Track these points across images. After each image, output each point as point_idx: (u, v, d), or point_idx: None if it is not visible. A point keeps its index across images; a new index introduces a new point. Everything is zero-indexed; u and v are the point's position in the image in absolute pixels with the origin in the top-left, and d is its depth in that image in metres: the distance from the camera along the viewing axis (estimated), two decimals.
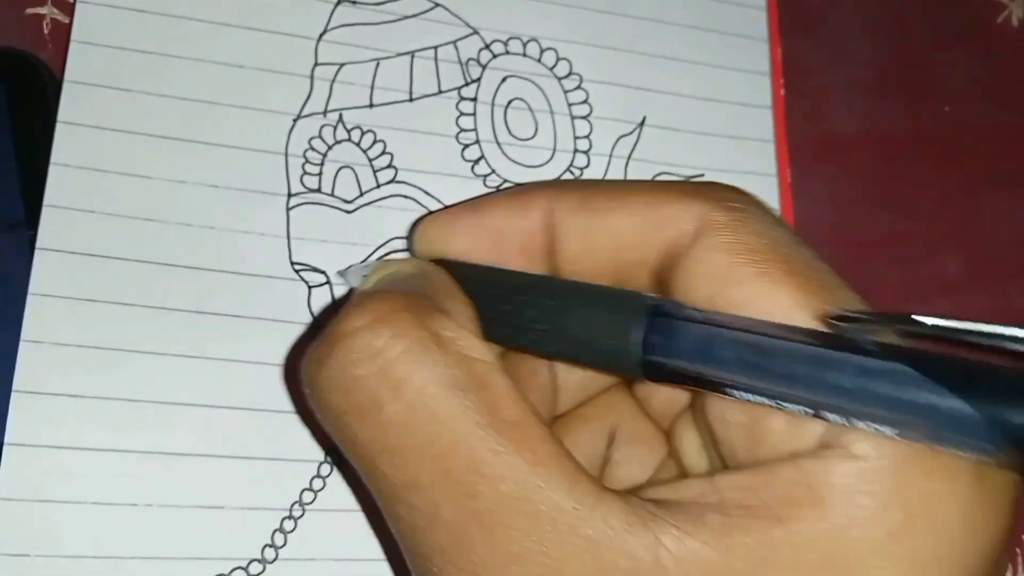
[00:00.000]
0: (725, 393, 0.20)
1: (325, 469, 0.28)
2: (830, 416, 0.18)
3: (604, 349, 0.21)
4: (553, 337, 0.22)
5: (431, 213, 0.26)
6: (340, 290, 0.30)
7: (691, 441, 0.24)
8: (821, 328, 0.19)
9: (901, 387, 0.17)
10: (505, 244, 0.24)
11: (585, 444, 0.26)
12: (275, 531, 0.28)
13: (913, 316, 0.18)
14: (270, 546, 0.28)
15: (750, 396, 0.19)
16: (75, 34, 0.29)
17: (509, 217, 0.24)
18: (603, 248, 0.23)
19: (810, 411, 0.18)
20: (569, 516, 0.18)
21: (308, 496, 0.28)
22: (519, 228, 0.24)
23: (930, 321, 0.18)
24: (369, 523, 0.28)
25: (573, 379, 0.26)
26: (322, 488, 0.28)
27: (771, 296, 0.20)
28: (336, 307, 0.29)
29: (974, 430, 0.16)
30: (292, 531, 0.28)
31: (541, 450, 0.19)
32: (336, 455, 0.28)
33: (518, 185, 0.25)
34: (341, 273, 0.29)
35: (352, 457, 0.21)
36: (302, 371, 0.22)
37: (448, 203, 0.31)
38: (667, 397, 0.26)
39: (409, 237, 0.29)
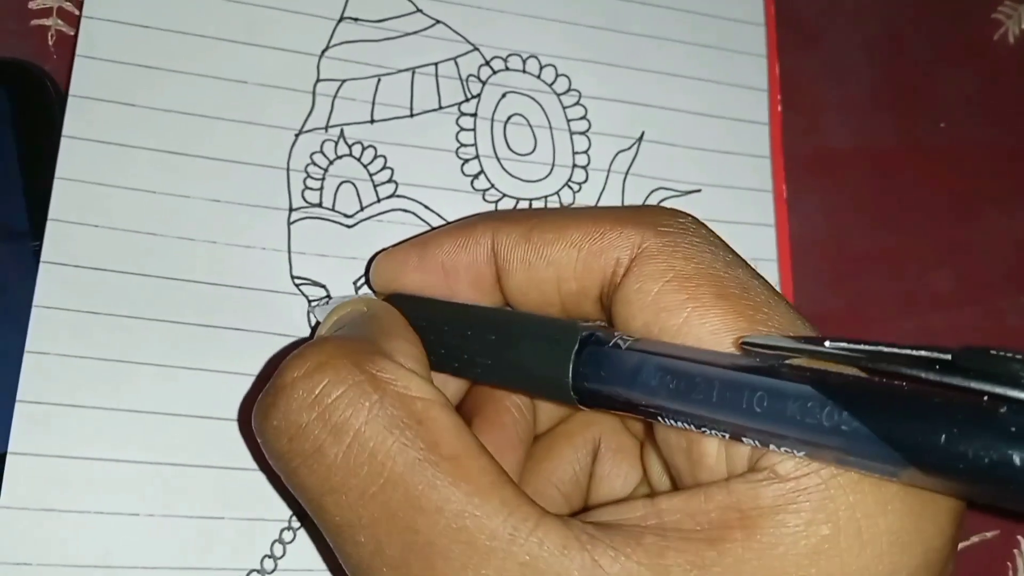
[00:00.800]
0: (654, 419, 0.20)
1: None
2: (748, 440, 0.19)
3: (540, 378, 0.22)
4: (495, 368, 0.23)
5: (384, 250, 0.27)
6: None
7: (654, 461, 0.25)
8: (738, 353, 0.20)
9: (807, 410, 0.18)
10: (453, 278, 0.25)
11: (570, 460, 0.27)
12: (274, 542, 0.28)
13: (826, 340, 0.18)
14: (269, 557, 0.28)
15: (676, 422, 0.20)
16: (80, 48, 0.29)
17: (455, 252, 0.25)
18: (547, 280, 0.24)
19: (728, 435, 0.19)
20: (505, 542, 0.19)
21: (300, 512, 0.28)
22: (465, 262, 0.25)
23: (839, 344, 0.18)
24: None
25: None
26: None
27: (700, 321, 0.20)
28: (277, 358, 0.30)
29: (876, 450, 0.17)
30: (291, 542, 0.28)
31: (479, 480, 0.20)
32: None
33: (463, 218, 0.26)
34: (311, 309, 0.30)
35: (301, 500, 0.22)
36: (253, 419, 0.23)
37: (448, 217, 0.31)
38: None
39: (366, 272, 0.30)
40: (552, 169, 0.33)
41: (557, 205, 0.33)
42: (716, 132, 0.35)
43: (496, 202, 0.32)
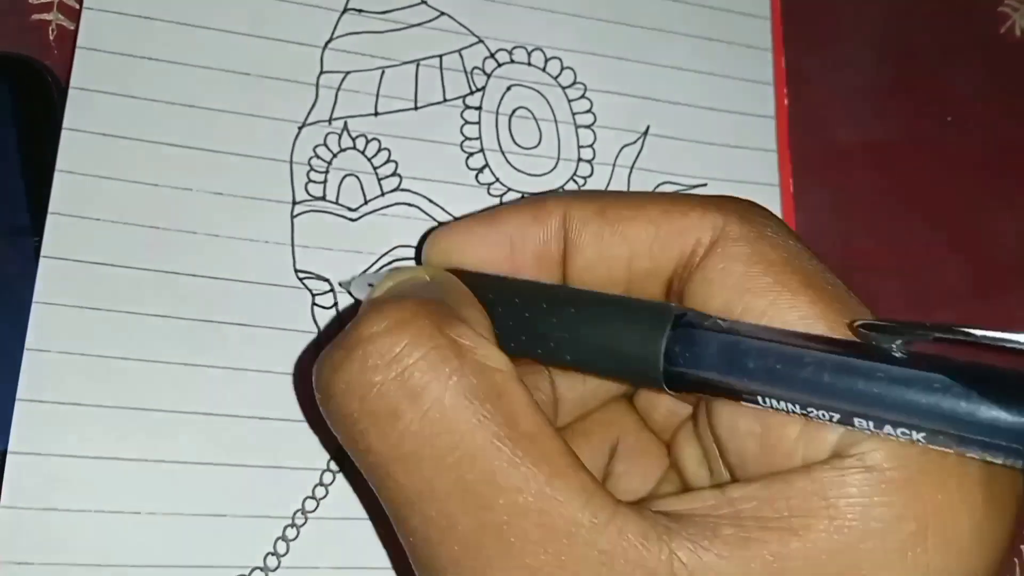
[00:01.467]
0: (752, 402, 0.20)
1: (328, 477, 0.28)
2: (860, 422, 0.18)
3: (627, 358, 0.21)
4: (573, 346, 0.22)
5: (442, 224, 0.26)
6: (343, 298, 0.30)
7: (692, 453, 0.24)
8: (845, 338, 0.19)
9: (935, 395, 0.17)
10: (519, 254, 0.24)
11: (587, 458, 0.26)
12: (278, 539, 0.28)
13: (953, 326, 0.18)
14: (272, 554, 0.28)
15: (778, 404, 0.19)
16: (81, 40, 0.29)
17: (524, 227, 0.24)
18: (618, 257, 0.23)
19: (836, 418, 0.18)
20: (585, 529, 0.18)
21: (311, 504, 0.28)
22: (534, 237, 0.24)
23: (970, 330, 0.18)
24: (376, 533, 0.28)
25: (573, 393, 0.26)
26: (324, 496, 0.28)
27: (788, 306, 0.20)
28: (342, 317, 0.29)
29: (1007, 436, 0.17)
30: (295, 539, 0.28)
31: (558, 462, 0.19)
32: (341, 461, 0.28)
33: (532, 195, 0.26)
34: (344, 284, 0.29)
35: (364, 465, 0.21)
36: (315, 376, 0.21)
37: (452, 211, 0.31)
38: (668, 410, 0.26)
39: (419, 248, 0.29)
40: (557, 163, 0.33)
41: None
42: (722, 126, 0.35)
43: (501, 196, 0.32)
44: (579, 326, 0.22)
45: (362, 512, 0.28)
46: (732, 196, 0.23)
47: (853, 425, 0.18)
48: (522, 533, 0.19)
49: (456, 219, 0.26)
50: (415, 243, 0.31)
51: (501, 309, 0.23)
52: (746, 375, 0.20)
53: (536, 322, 0.22)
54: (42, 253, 0.27)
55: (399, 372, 0.20)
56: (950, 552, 0.18)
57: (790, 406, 0.19)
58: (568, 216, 0.23)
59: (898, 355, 0.18)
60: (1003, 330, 0.17)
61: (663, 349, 0.20)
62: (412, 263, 0.30)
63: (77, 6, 0.30)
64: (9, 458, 0.26)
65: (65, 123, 0.28)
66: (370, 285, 0.25)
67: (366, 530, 0.28)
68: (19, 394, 0.27)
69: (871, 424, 0.18)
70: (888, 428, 0.18)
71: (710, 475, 0.24)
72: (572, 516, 0.19)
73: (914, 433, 0.18)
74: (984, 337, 0.18)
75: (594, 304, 0.22)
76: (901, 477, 0.18)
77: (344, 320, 0.29)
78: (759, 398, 0.20)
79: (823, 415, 0.19)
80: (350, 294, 0.29)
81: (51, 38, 0.31)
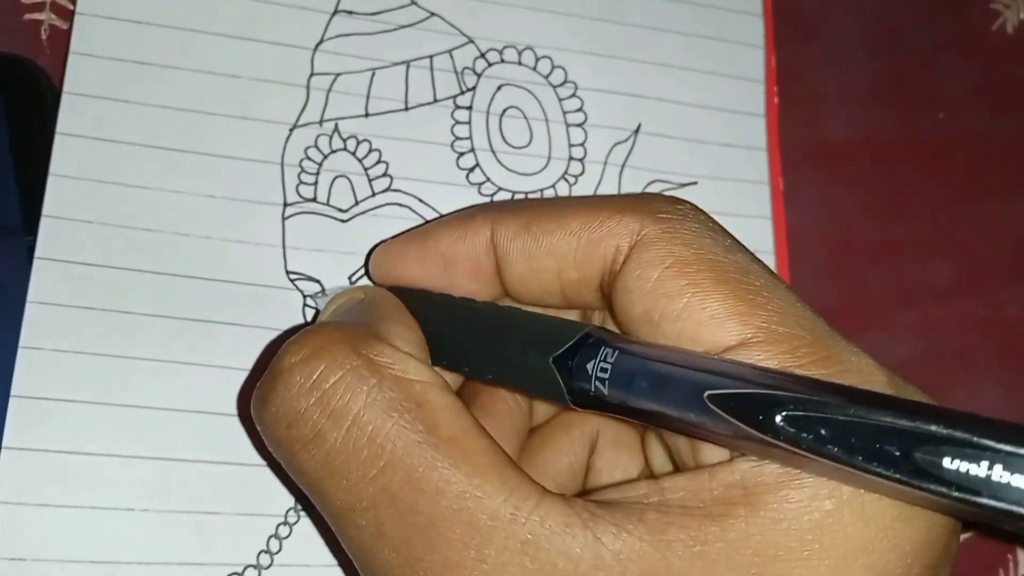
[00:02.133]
0: (649, 423, 0.21)
1: None
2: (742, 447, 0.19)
3: (535, 379, 0.22)
4: (490, 365, 0.23)
5: (383, 242, 0.27)
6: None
7: (657, 449, 0.25)
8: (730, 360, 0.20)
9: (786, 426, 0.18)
10: (453, 269, 0.25)
11: (567, 452, 0.27)
12: (271, 537, 0.28)
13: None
14: (265, 552, 0.28)
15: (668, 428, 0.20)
16: (74, 45, 0.29)
17: (454, 244, 0.25)
18: (547, 269, 0.24)
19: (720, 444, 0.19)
20: (506, 522, 0.19)
21: (304, 502, 0.28)
22: (465, 254, 0.25)
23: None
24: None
25: None
26: None
27: (700, 306, 0.21)
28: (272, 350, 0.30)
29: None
30: (287, 536, 0.28)
31: (479, 460, 0.20)
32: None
33: (460, 210, 0.27)
34: (312, 297, 0.30)
35: (302, 485, 0.22)
36: (252, 407, 0.23)
37: (443, 211, 0.31)
38: None
39: (365, 265, 0.30)
40: (548, 162, 0.33)
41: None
42: (713, 124, 0.35)
43: (492, 195, 0.32)
44: (494, 347, 0.23)
45: None
46: (652, 194, 0.24)
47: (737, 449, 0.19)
48: (446, 532, 0.19)
49: (395, 236, 0.27)
50: None
51: (434, 327, 0.24)
52: (638, 397, 0.20)
53: (458, 341, 0.24)
54: (36, 254, 0.28)
55: (319, 396, 0.21)
56: (870, 527, 0.18)
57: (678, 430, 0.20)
58: (495, 232, 0.24)
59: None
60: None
61: (568, 369, 0.21)
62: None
63: (70, 6, 0.30)
64: (3, 455, 0.27)
65: (58, 128, 0.29)
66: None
67: None
68: (13, 391, 0.27)
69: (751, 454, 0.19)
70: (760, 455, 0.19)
71: (673, 471, 0.24)
72: (493, 511, 0.19)
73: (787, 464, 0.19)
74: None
75: (508, 321, 0.23)
76: None
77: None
78: (653, 421, 0.20)
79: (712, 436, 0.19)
80: (317, 307, 0.30)
81: (43, 38, 0.31)
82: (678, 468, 0.23)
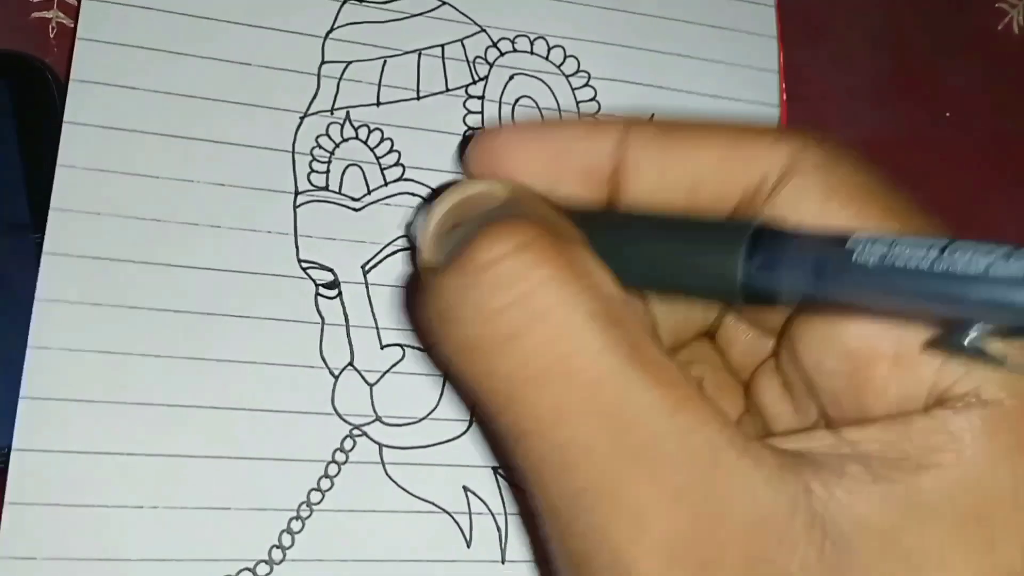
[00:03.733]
0: (847, 308, 0.19)
1: (333, 469, 0.28)
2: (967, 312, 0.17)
3: (707, 273, 0.20)
4: (655, 265, 0.21)
5: (487, 128, 0.25)
6: (347, 287, 0.29)
7: (774, 391, 0.23)
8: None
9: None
10: (564, 167, 0.22)
11: None
12: (282, 532, 0.27)
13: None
14: (277, 547, 0.27)
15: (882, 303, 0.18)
16: (80, 32, 0.29)
17: (575, 139, 0.22)
18: (680, 183, 0.21)
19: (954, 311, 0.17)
20: (726, 454, 0.18)
21: (316, 496, 0.28)
22: (585, 150, 0.22)
23: None
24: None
25: (664, 327, 0.24)
26: (330, 488, 0.28)
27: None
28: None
29: None
30: (299, 532, 0.28)
31: (686, 390, 0.19)
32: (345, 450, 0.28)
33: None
34: (413, 219, 0.28)
35: (486, 391, 0.20)
36: (429, 305, 0.21)
37: None
38: (745, 348, 0.25)
39: (462, 149, 0.28)
40: None
41: None
42: (727, 112, 0.34)
43: None
44: (659, 244, 0.21)
45: (367, 505, 0.28)
46: (802, 128, 0.22)
47: (961, 320, 0.17)
48: (665, 456, 0.18)
49: (501, 126, 0.24)
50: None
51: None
52: (837, 276, 0.18)
53: (618, 246, 0.21)
54: (44, 249, 0.27)
55: (525, 293, 0.19)
56: None
57: (900, 301, 0.18)
58: (630, 134, 0.22)
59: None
60: None
61: (743, 258, 0.19)
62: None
63: (77, 4, 0.30)
64: (13, 455, 0.26)
65: (66, 116, 0.28)
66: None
67: (371, 523, 0.28)
68: (23, 391, 0.26)
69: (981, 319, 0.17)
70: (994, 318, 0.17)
71: (794, 413, 0.23)
72: (712, 441, 0.18)
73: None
74: None
75: (671, 223, 0.21)
76: (1020, 405, 0.18)
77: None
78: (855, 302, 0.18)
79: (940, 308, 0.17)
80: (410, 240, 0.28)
81: (51, 36, 0.31)
82: (819, 409, 0.21)
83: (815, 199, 0.20)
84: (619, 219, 0.22)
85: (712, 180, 0.21)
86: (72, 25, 0.30)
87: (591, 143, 0.22)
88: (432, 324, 0.21)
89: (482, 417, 0.29)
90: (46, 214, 0.28)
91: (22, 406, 0.26)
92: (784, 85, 0.36)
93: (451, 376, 0.21)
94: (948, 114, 0.39)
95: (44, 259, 0.27)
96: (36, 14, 0.31)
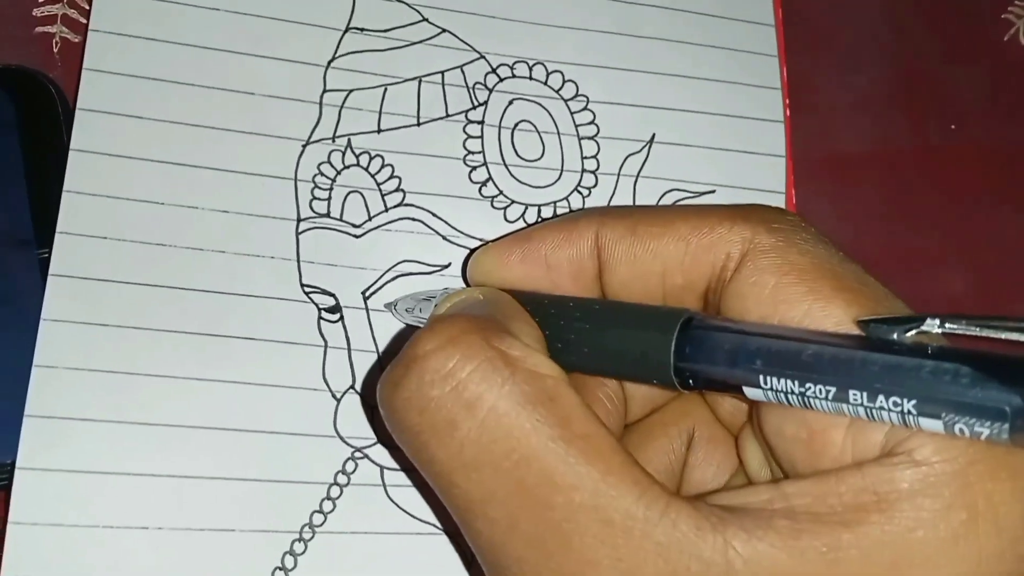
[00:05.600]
0: (755, 392, 0.20)
1: (335, 491, 0.28)
2: (854, 395, 0.19)
3: (640, 362, 0.22)
4: (596, 355, 0.23)
5: (481, 245, 0.27)
6: (349, 312, 0.30)
7: (754, 452, 0.25)
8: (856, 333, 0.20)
9: (961, 387, 0.18)
10: (556, 272, 0.25)
11: (664, 448, 0.27)
12: (286, 553, 0.28)
13: (929, 316, 0.19)
14: (280, 568, 0.28)
15: (775, 392, 0.20)
16: (87, 62, 0.29)
17: (559, 246, 0.25)
18: (651, 274, 0.24)
19: (831, 393, 0.19)
20: (640, 522, 0.19)
21: (318, 518, 0.28)
22: (568, 256, 0.25)
23: (955, 319, 0.19)
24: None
25: (642, 389, 0.26)
26: (332, 510, 0.28)
27: (822, 313, 0.20)
28: (401, 337, 0.30)
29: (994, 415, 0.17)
30: (303, 553, 0.28)
31: (611, 460, 0.20)
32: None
33: (566, 213, 0.28)
34: (388, 305, 0.30)
35: (429, 475, 0.22)
36: (379, 393, 0.23)
37: (456, 225, 0.31)
38: (732, 407, 0.26)
39: (464, 267, 0.30)
40: (561, 174, 0.33)
41: (567, 210, 0.32)
42: (728, 133, 0.35)
43: (504, 208, 0.32)
44: (601, 336, 0.23)
45: (369, 526, 0.29)
46: (760, 205, 0.24)
47: (848, 401, 0.19)
48: (582, 529, 0.19)
49: (496, 239, 0.26)
50: (419, 258, 0.31)
51: (540, 322, 0.24)
52: (749, 368, 0.20)
53: (566, 335, 0.23)
54: (51, 271, 0.28)
55: (454, 385, 0.21)
56: (1003, 538, 0.18)
57: (789, 391, 0.20)
58: (600, 235, 0.24)
59: (897, 346, 0.19)
60: (1006, 319, 0.18)
61: (672, 350, 0.21)
62: (417, 278, 0.31)
63: (82, 19, 0.31)
64: (17, 475, 0.26)
65: (72, 144, 0.29)
66: (407, 309, 0.27)
67: (373, 544, 0.28)
68: (27, 410, 0.27)
69: (865, 397, 0.19)
70: (916, 419, 0.18)
71: (771, 474, 0.24)
72: (627, 510, 0.19)
73: (923, 420, 0.18)
74: (988, 325, 0.18)
75: (614, 312, 0.23)
76: (951, 470, 0.18)
77: (401, 340, 0.30)
78: (761, 387, 0.20)
79: (820, 391, 0.19)
80: (394, 314, 0.30)
81: (55, 51, 0.31)
82: (783, 471, 0.22)
83: (769, 281, 0.21)
84: (578, 311, 0.24)
85: (678, 271, 0.23)
86: (76, 40, 0.31)
87: (570, 250, 0.25)
88: (383, 412, 0.23)
89: None
90: (51, 230, 0.28)
91: (26, 424, 0.27)
92: (788, 100, 0.36)
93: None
94: (953, 125, 0.39)
95: (50, 280, 0.28)
96: (40, 28, 0.31)
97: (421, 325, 0.26)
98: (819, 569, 0.18)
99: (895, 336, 0.19)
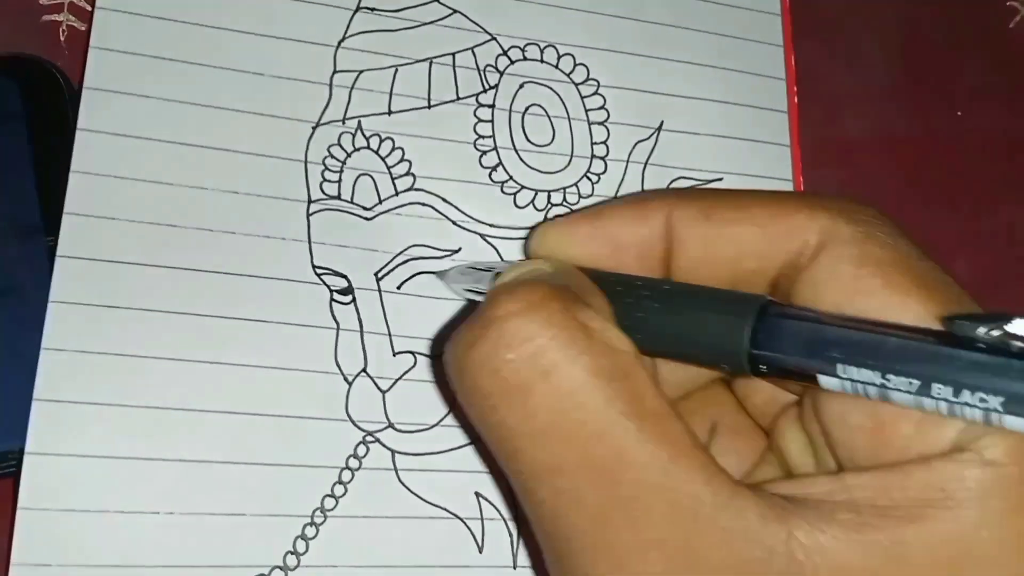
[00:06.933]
0: (832, 383, 0.20)
1: (347, 475, 0.28)
2: (937, 389, 0.19)
3: (716, 346, 0.22)
4: (665, 336, 0.23)
5: (547, 220, 0.27)
6: (361, 293, 0.30)
7: (795, 439, 0.24)
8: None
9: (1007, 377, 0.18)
10: (623, 251, 0.25)
11: None
12: (297, 538, 0.27)
13: (1016, 316, 0.18)
14: (292, 553, 0.27)
15: (855, 383, 0.20)
16: (94, 40, 0.29)
17: (628, 225, 0.25)
18: (723, 258, 0.23)
19: (916, 386, 0.19)
20: (708, 507, 0.19)
21: (330, 503, 0.28)
22: (637, 236, 0.24)
23: None
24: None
25: (673, 376, 0.26)
26: (344, 495, 0.28)
27: (900, 307, 0.20)
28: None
29: None
30: (314, 537, 0.28)
31: (681, 442, 0.20)
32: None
33: (638, 193, 0.27)
34: (440, 275, 0.30)
35: (494, 439, 0.21)
36: (449, 354, 0.22)
37: (466, 210, 0.31)
38: (768, 395, 0.26)
39: (526, 242, 0.29)
40: (571, 160, 0.33)
41: (576, 197, 0.32)
42: (736, 121, 0.35)
43: (514, 194, 0.32)
44: (674, 315, 0.23)
45: (381, 511, 0.28)
46: (840, 196, 0.24)
47: (931, 395, 0.19)
48: (648, 508, 0.19)
49: (564, 215, 0.26)
50: (430, 242, 0.31)
51: (612, 300, 0.23)
52: (828, 358, 0.20)
53: (636, 311, 0.23)
54: (58, 253, 0.27)
55: (532, 350, 0.20)
56: None
57: (869, 382, 0.20)
58: (672, 216, 0.24)
59: (981, 343, 0.18)
60: None
61: (748, 336, 0.21)
62: (427, 262, 0.30)
63: (88, 7, 0.30)
64: (26, 459, 0.26)
65: (79, 124, 0.28)
66: (463, 276, 0.26)
67: (385, 529, 0.28)
68: (36, 394, 0.26)
69: (950, 392, 0.18)
70: (1002, 416, 0.18)
71: (815, 462, 0.24)
72: (696, 494, 0.19)
73: (1008, 418, 0.18)
74: None
75: (688, 295, 0.23)
76: (1020, 472, 0.18)
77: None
78: (839, 376, 0.20)
79: (903, 383, 0.19)
80: (446, 285, 0.29)
81: (62, 39, 0.31)
82: (837, 461, 0.22)
83: (847, 271, 0.21)
84: (648, 290, 0.23)
85: (752, 254, 0.23)
86: (82, 28, 0.30)
87: (640, 229, 0.24)
88: (452, 373, 0.22)
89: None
90: (58, 217, 0.28)
91: (35, 409, 0.26)
92: (795, 88, 0.36)
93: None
94: (959, 112, 0.39)
95: (58, 262, 0.27)
96: (47, 17, 0.31)
97: (477, 298, 0.26)
98: (881, 563, 0.18)
99: (980, 333, 0.19)
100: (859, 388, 0.20)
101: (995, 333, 0.19)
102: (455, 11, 0.32)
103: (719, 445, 0.26)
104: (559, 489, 0.20)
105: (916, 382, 0.19)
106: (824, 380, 0.20)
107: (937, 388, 0.19)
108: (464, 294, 0.29)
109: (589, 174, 0.33)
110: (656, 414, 0.20)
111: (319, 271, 0.29)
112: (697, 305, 0.23)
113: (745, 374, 0.22)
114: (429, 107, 0.32)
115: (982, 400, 0.18)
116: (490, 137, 0.32)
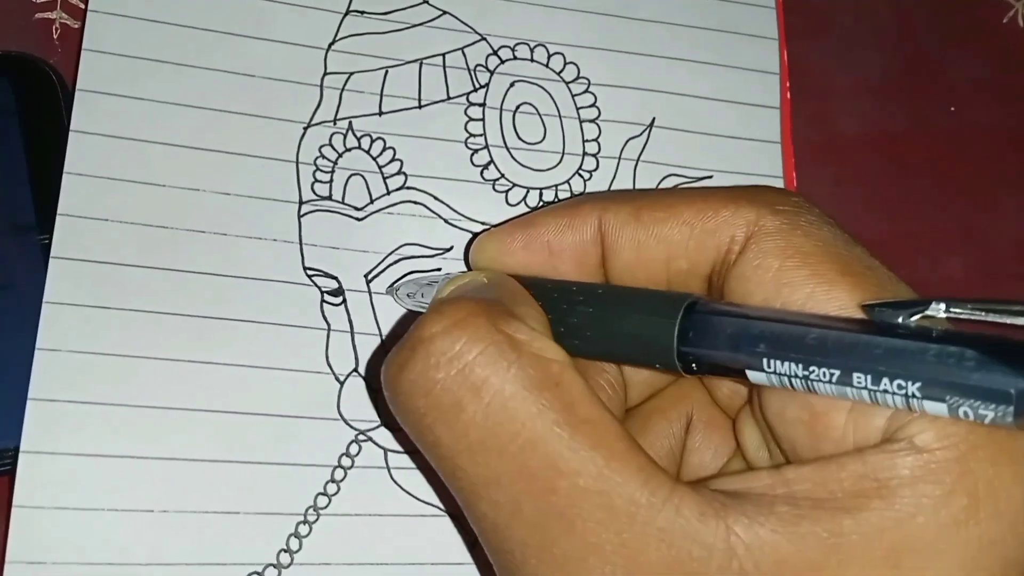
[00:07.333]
0: (759, 377, 0.20)
1: (339, 473, 0.28)
2: (857, 378, 0.19)
3: (643, 346, 0.22)
4: (600, 340, 0.23)
5: (486, 230, 0.27)
6: (352, 295, 0.30)
7: (751, 434, 0.25)
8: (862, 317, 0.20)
9: (966, 370, 0.17)
10: (558, 258, 0.25)
11: (664, 433, 0.27)
12: (290, 536, 0.28)
13: (934, 301, 0.19)
14: (285, 551, 0.28)
15: (779, 377, 0.20)
16: (87, 42, 0.29)
17: (560, 232, 0.25)
18: (655, 258, 0.24)
19: (835, 377, 0.19)
20: (644, 508, 0.19)
21: (323, 501, 0.28)
22: (571, 242, 0.25)
23: (959, 303, 0.18)
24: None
25: (639, 376, 0.27)
26: (336, 492, 0.28)
27: (826, 297, 0.20)
28: (405, 320, 0.30)
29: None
30: (307, 535, 0.28)
31: (615, 446, 0.20)
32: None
33: (568, 198, 0.27)
34: (389, 289, 0.30)
35: (433, 457, 0.22)
36: (383, 376, 0.22)
37: (458, 208, 0.31)
38: (731, 389, 0.26)
39: (466, 253, 0.30)
40: (562, 157, 0.33)
41: (568, 194, 0.32)
42: (728, 117, 0.35)
43: (506, 192, 0.32)
44: (605, 321, 0.23)
45: (373, 509, 0.29)
46: (765, 186, 0.24)
47: (853, 385, 0.19)
48: (585, 514, 0.19)
49: (499, 224, 0.26)
50: (421, 241, 0.31)
51: (544, 307, 0.24)
52: (753, 351, 0.20)
53: (571, 317, 0.23)
54: (52, 254, 0.28)
55: (460, 368, 0.21)
56: (1003, 523, 0.18)
57: (792, 375, 0.20)
58: (603, 220, 0.24)
59: (902, 329, 0.19)
60: (1011, 303, 0.18)
61: (676, 334, 0.21)
62: (419, 261, 0.31)
63: (81, 5, 0.30)
64: (21, 458, 0.26)
65: (72, 125, 0.29)
66: (408, 294, 0.26)
67: (377, 526, 0.28)
68: (31, 393, 0.27)
69: (869, 380, 0.19)
70: (920, 402, 0.18)
71: (769, 457, 0.24)
72: (631, 496, 0.19)
73: (927, 403, 0.18)
74: (992, 309, 0.18)
75: (619, 298, 0.23)
76: (951, 456, 0.18)
77: (405, 323, 0.30)
78: (764, 371, 0.20)
79: (824, 374, 0.19)
80: (395, 299, 0.30)
81: (55, 37, 0.31)
82: (784, 455, 0.22)
83: (773, 264, 0.21)
84: (583, 295, 0.24)
85: (683, 253, 0.23)
86: (75, 26, 0.30)
87: (573, 235, 0.25)
88: (387, 394, 0.22)
89: None
90: (51, 216, 0.28)
91: (30, 408, 0.27)
92: (788, 83, 0.36)
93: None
94: (953, 108, 0.39)
95: (52, 263, 0.28)
96: (40, 15, 0.31)
97: (422, 310, 0.27)
98: (820, 554, 0.18)
99: (900, 320, 0.19)
100: (785, 381, 0.20)
101: (915, 318, 0.19)
102: (445, 12, 0.33)
103: (695, 439, 0.27)
104: (497, 502, 0.20)
105: (836, 372, 0.19)
106: (752, 375, 0.20)
107: (857, 377, 0.19)
108: (412, 307, 0.29)
109: (581, 171, 0.33)
110: (589, 420, 0.20)
111: (310, 272, 0.30)
112: (628, 308, 0.23)
113: (679, 373, 0.22)
114: (420, 107, 0.32)
115: (900, 387, 0.18)
116: (481, 135, 0.32)
